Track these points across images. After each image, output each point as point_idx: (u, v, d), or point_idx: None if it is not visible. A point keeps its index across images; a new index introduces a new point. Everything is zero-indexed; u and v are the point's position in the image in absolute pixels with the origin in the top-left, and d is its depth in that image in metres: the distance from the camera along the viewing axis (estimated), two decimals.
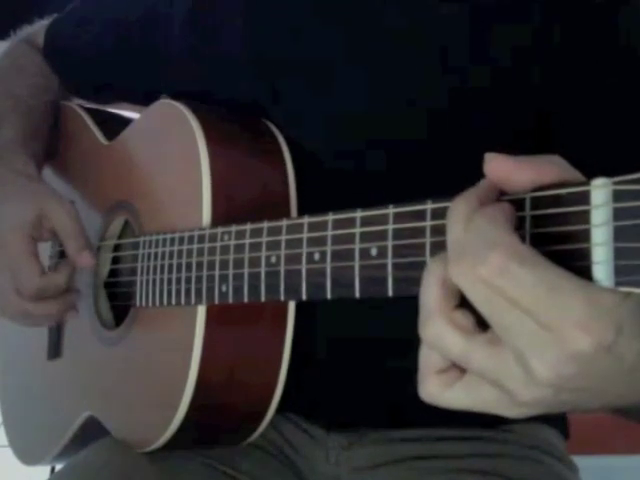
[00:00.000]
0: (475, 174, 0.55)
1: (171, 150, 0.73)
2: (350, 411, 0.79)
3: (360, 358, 0.75)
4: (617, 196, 0.34)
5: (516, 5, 0.66)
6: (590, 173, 0.38)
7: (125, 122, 0.88)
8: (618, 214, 0.34)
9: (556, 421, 0.85)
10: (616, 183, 0.34)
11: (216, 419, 0.71)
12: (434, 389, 0.41)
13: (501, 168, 0.39)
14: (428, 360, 0.41)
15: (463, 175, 0.66)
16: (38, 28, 0.97)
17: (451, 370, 0.41)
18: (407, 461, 0.77)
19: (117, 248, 0.84)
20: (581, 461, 0.83)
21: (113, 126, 0.90)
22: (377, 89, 0.71)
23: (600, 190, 0.35)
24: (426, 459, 0.77)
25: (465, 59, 0.68)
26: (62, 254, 0.90)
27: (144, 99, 0.86)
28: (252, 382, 0.70)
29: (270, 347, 0.70)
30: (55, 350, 0.89)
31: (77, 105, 0.95)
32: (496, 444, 0.79)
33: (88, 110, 0.95)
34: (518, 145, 0.52)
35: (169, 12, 0.83)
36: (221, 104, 0.77)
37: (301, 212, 0.71)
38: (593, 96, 0.64)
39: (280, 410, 0.73)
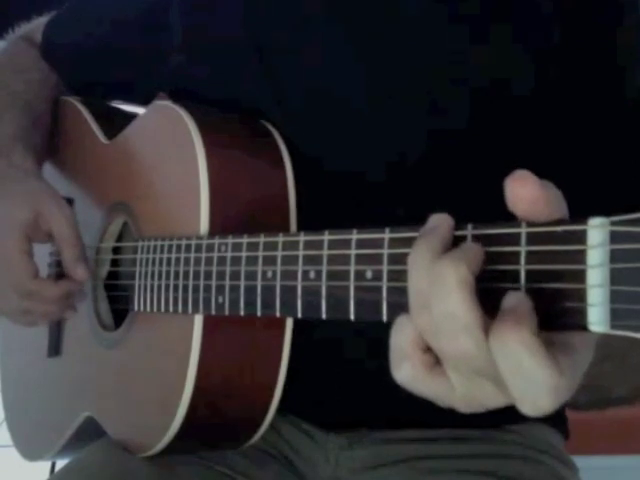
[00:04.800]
0: (484, 190, 0.54)
1: (169, 154, 0.72)
2: (349, 412, 0.79)
3: (359, 358, 0.75)
4: (614, 237, 0.33)
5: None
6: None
7: (125, 117, 0.87)
8: (615, 256, 0.33)
9: (556, 421, 0.85)
10: (614, 224, 0.33)
11: (214, 425, 0.70)
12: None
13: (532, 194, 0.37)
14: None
15: (467, 186, 0.66)
16: (36, 25, 0.96)
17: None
18: (407, 461, 0.77)
19: (116, 249, 0.83)
20: (581, 461, 0.83)
21: (113, 121, 0.89)
22: (375, 85, 0.70)
23: (597, 230, 0.34)
24: (426, 459, 0.77)
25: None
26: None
27: (142, 98, 0.86)
28: (251, 386, 0.70)
29: (269, 351, 0.70)
30: (55, 348, 0.89)
31: (77, 99, 0.94)
32: (496, 444, 0.79)
33: (88, 104, 0.93)
34: None
35: (167, 8, 0.82)
36: (220, 102, 0.76)
37: (300, 216, 0.70)
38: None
39: (279, 411, 0.73)
